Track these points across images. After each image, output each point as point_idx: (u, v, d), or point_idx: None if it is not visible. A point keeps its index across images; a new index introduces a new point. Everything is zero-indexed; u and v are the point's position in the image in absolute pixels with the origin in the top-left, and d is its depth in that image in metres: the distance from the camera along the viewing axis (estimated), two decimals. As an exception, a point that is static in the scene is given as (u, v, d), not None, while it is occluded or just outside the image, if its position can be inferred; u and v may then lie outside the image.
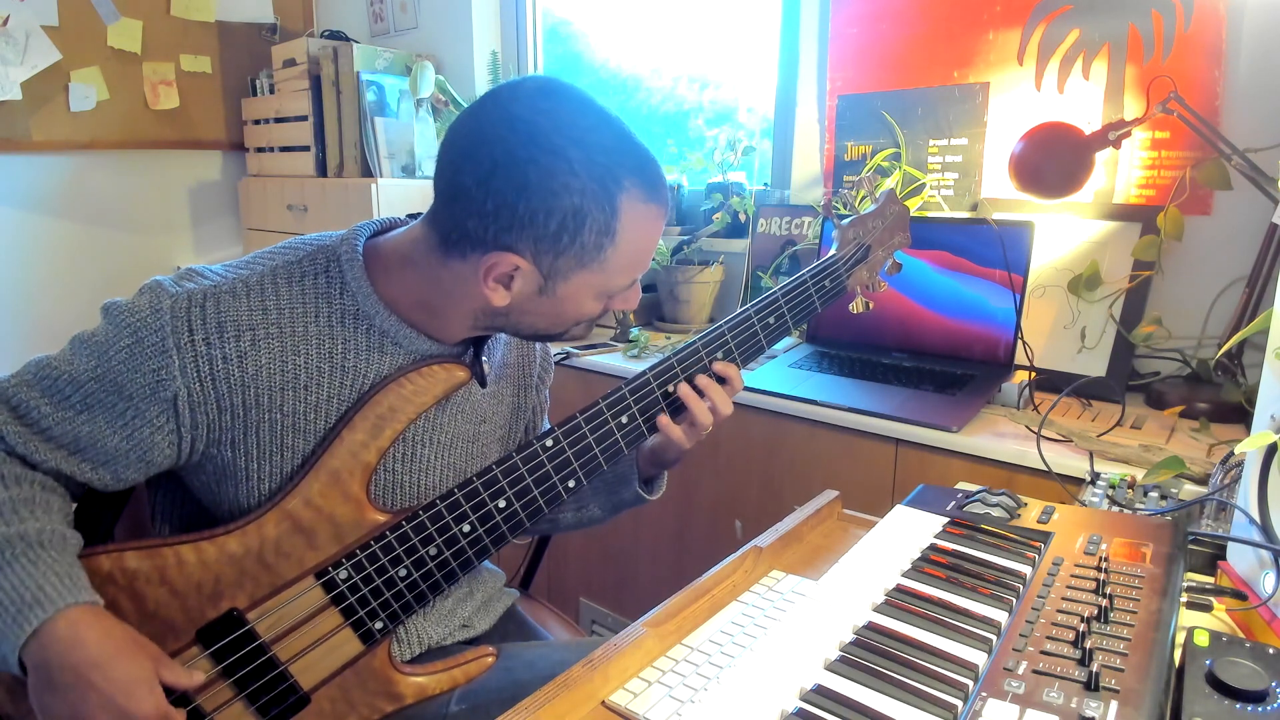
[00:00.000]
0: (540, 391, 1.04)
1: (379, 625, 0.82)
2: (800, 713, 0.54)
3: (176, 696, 0.76)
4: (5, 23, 2.28)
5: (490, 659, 0.88)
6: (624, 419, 0.86)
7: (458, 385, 0.83)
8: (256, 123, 2.63)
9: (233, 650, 0.78)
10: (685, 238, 1.99)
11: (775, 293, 0.94)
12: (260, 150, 2.63)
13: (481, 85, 2.55)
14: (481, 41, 2.54)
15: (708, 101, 2.27)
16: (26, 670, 0.71)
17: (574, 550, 1.85)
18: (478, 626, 0.99)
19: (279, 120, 2.52)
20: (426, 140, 2.47)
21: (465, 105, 2.61)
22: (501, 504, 0.83)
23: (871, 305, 1.03)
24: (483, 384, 0.89)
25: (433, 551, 0.82)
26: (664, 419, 0.88)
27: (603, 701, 0.62)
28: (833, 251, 0.98)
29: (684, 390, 0.88)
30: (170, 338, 0.73)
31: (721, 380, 0.90)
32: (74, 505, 0.82)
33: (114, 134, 2.56)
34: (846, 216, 1.00)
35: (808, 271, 0.96)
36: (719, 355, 0.90)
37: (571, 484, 0.85)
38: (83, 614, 0.70)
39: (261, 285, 0.78)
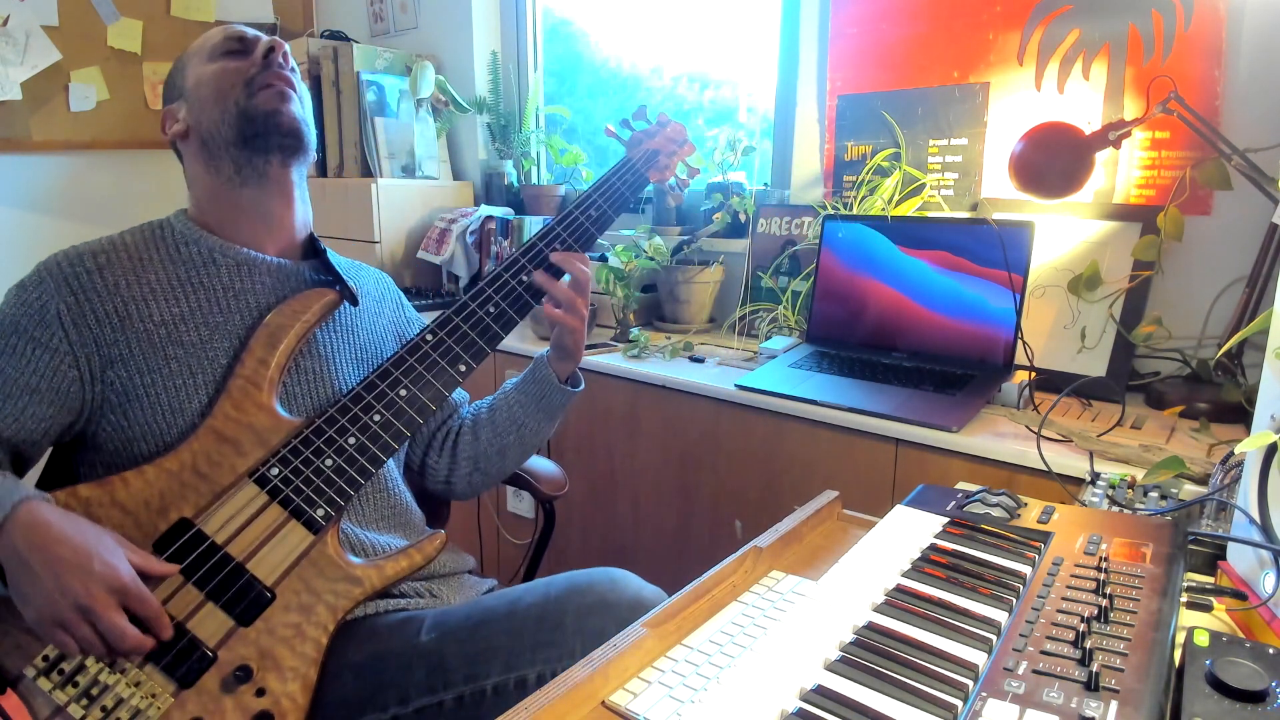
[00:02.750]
0: (406, 309, 1.19)
1: (320, 512, 0.89)
2: (800, 713, 0.54)
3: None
4: (5, 23, 2.28)
5: (441, 538, 0.95)
6: (490, 309, 1.02)
7: (331, 303, 0.98)
8: (256, 123, 2.62)
9: (188, 552, 0.84)
10: (685, 238, 1.99)
11: (590, 191, 1.14)
12: (260, 150, 2.63)
13: (481, 85, 2.55)
14: (481, 41, 2.54)
15: (708, 101, 2.28)
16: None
17: (573, 551, 1.85)
18: (445, 598, 1.04)
19: (279, 120, 2.52)
20: (426, 140, 2.47)
21: (465, 105, 2.60)
22: (402, 392, 0.96)
23: (683, 189, 1.31)
24: (354, 302, 1.02)
25: (352, 440, 0.93)
26: (548, 308, 1.06)
27: (603, 701, 0.62)
28: (626, 156, 1.23)
29: (540, 276, 1.04)
30: (45, 276, 0.90)
31: (558, 274, 1.06)
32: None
33: (114, 134, 2.56)
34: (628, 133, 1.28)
35: (612, 173, 1.18)
36: (557, 246, 1.07)
37: (462, 368, 0.99)
38: (38, 504, 0.79)
39: (110, 238, 0.96)
